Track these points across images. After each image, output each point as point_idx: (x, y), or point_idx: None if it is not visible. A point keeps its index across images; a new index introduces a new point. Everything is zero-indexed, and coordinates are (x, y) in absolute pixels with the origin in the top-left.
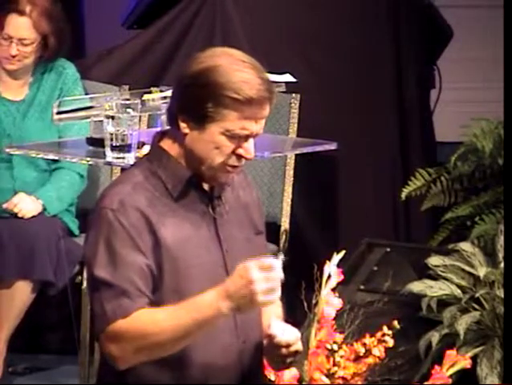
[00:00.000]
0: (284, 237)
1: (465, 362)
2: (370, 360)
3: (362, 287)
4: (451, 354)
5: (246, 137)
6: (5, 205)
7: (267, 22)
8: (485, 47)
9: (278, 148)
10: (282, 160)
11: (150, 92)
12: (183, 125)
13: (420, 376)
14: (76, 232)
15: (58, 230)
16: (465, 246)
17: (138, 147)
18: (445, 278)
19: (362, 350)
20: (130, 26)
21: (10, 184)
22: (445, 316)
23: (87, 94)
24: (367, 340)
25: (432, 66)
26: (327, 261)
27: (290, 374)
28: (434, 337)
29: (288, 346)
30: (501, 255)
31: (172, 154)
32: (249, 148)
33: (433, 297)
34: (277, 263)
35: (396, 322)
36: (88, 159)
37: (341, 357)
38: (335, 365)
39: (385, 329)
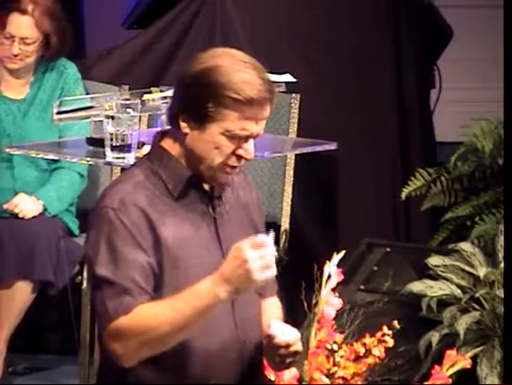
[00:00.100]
0: (284, 237)
1: (465, 362)
2: (370, 360)
3: (362, 287)
4: (451, 354)
5: (246, 138)
6: (5, 206)
7: (267, 22)
8: (485, 47)
9: (278, 148)
10: (282, 160)
11: (150, 92)
12: (183, 125)
13: (420, 376)
14: (76, 232)
15: (59, 230)
16: (465, 246)
17: (138, 147)
18: (445, 278)
19: (362, 350)
20: (130, 26)
21: (11, 183)
22: (445, 316)
23: (87, 94)
24: (367, 340)
25: (432, 66)
26: (327, 261)
27: (290, 374)
28: (434, 337)
29: (288, 346)
30: (501, 255)
31: (173, 154)
32: (249, 149)
33: (433, 297)
34: (268, 240)
35: (396, 322)
36: (88, 159)
37: (341, 357)
38: (335, 365)
39: (385, 329)
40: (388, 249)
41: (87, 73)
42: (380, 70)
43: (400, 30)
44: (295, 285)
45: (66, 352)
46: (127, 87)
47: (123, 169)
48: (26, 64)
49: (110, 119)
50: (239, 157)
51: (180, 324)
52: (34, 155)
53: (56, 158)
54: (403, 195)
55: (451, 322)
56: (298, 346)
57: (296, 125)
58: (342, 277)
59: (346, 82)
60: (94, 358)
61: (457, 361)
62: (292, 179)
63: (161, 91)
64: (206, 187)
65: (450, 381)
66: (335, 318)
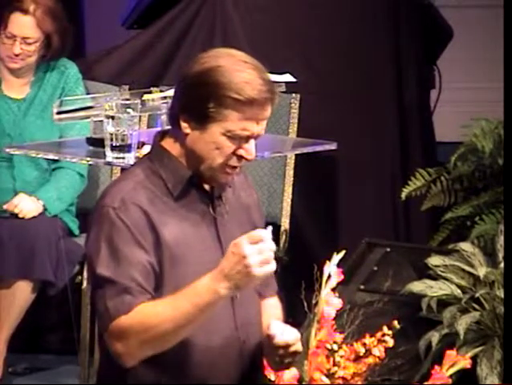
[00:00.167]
0: (284, 237)
1: (465, 362)
2: (370, 360)
3: (362, 287)
4: (451, 354)
5: (247, 138)
6: (5, 206)
7: (267, 22)
8: (485, 47)
9: (278, 148)
10: (282, 160)
11: (150, 92)
12: (184, 125)
13: (420, 376)
14: (76, 232)
15: (59, 230)
16: (465, 246)
17: (138, 147)
18: (445, 278)
19: (362, 350)
20: (130, 26)
21: (11, 183)
22: (445, 316)
23: (88, 94)
24: (367, 340)
25: (432, 66)
26: (327, 261)
27: (290, 374)
28: (434, 337)
29: (287, 346)
30: (501, 255)
31: (174, 154)
32: (250, 149)
33: (433, 297)
34: (267, 234)
35: (396, 322)
36: (88, 159)
37: (341, 357)
38: (335, 365)
39: (385, 329)
40: (388, 249)
41: (87, 73)
42: (380, 70)
43: (400, 30)
44: (295, 285)
45: (66, 352)
46: (127, 87)
47: (123, 169)
48: (27, 64)
49: (110, 119)
50: (240, 157)
51: (180, 321)
52: (34, 155)
53: (56, 158)
54: (403, 195)
55: (451, 322)
56: (298, 347)
57: (296, 125)
58: (342, 277)
59: (346, 82)
60: (94, 358)
61: (457, 361)
62: (292, 179)
63: (161, 91)
64: (206, 187)
65: (450, 381)
66: (335, 318)
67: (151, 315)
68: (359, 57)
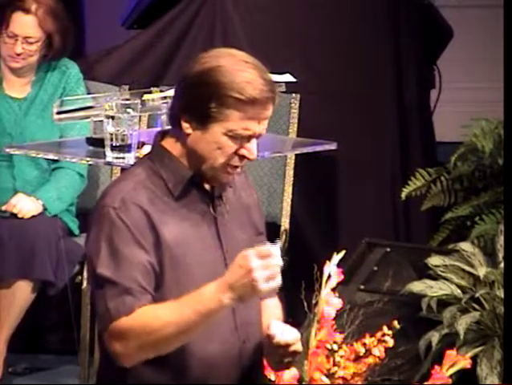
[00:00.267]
0: (284, 237)
1: (465, 362)
2: (370, 360)
3: (362, 287)
4: (451, 354)
5: (249, 138)
6: (4, 207)
7: (267, 22)
8: (485, 47)
9: (278, 148)
10: (282, 160)
11: (150, 92)
12: (185, 125)
13: (420, 376)
14: (76, 232)
15: (58, 230)
16: (465, 246)
17: (138, 147)
18: (445, 278)
19: (362, 350)
20: (130, 26)
21: (11, 182)
22: (445, 316)
23: (88, 94)
24: (367, 340)
25: (432, 66)
26: (327, 261)
27: (290, 374)
28: (434, 337)
29: (287, 346)
30: (501, 255)
31: (174, 154)
32: (251, 149)
33: (433, 297)
34: (275, 250)
35: (396, 322)
36: (88, 159)
37: (341, 357)
38: (335, 365)
39: (385, 329)
40: (388, 249)
41: (87, 73)
42: (380, 70)
43: (400, 30)
44: (295, 285)
45: (66, 352)
46: (127, 87)
47: (123, 169)
48: (29, 63)
49: (110, 119)
50: (242, 157)
51: (182, 327)
52: (34, 155)
53: (56, 158)
54: (403, 195)
55: (451, 322)
56: (298, 346)
57: (296, 125)
58: (342, 277)
59: (346, 82)
60: (94, 358)
61: (457, 361)
62: (292, 179)
63: (161, 91)
64: (207, 187)
65: (450, 381)
66: (335, 318)
67: (153, 319)
68: (359, 57)
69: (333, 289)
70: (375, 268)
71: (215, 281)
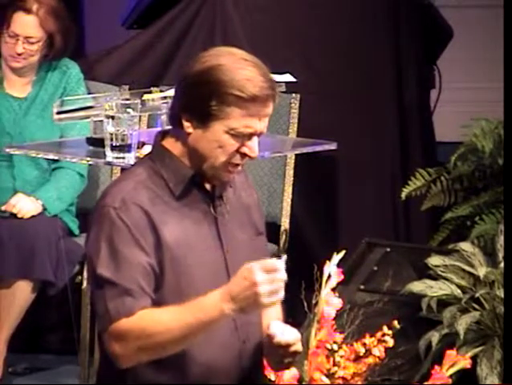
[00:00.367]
0: (284, 237)
1: (465, 362)
2: (370, 360)
3: (362, 287)
4: (451, 354)
5: (250, 135)
6: (3, 207)
7: (267, 22)
8: (485, 47)
9: (278, 148)
10: (282, 160)
11: (150, 92)
12: (186, 124)
13: (420, 376)
14: (76, 232)
15: (58, 230)
16: (465, 246)
17: (138, 147)
18: (445, 278)
19: (362, 350)
20: (130, 26)
21: (11, 182)
22: (445, 316)
23: (89, 94)
24: (367, 340)
25: (432, 66)
26: (327, 261)
27: (290, 374)
28: (434, 337)
29: (288, 346)
30: (501, 255)
31: (175, 153)
32: (253, 147)
33: (433, 297)
34: (280, 265)
35: (396, 322)
36: (88, 159)
37: (341, 357)
38: (335, 365)
39: (385, 329)
40: (388, 249)
41: (87, 73)
42: (380, 70)
43: (400, 30)
44: (295, 285)
45: (66, 352)
46: (127, 87)
47: (123, 169)
48: (30, 63)
49: (110, 119)
50: (243, 155)
51: (182, 334)
52: (34, 155)
53: (56, 158)
54: (403, 195)
55: (451, 322)
56: (298, 347)
57: (296, 125)
58: (342, 277)
59: (346, 82)
60: (94, 358)
61: (457, 361)
62: (292, 179)
63: (161, 91)
64: (207, 186)
65: (450, 381)
66: (335, 318)
67: (153, 323)
68: (359, 57)
69: (333, 289)
70: (375, 268)
71: (218, 289)
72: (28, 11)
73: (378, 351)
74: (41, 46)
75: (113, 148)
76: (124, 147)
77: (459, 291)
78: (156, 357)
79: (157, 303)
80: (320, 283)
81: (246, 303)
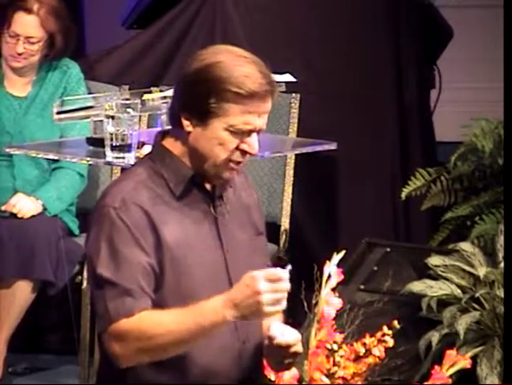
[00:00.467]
0: (284, 237)
1: (465, 362)
2: (370, 360)
3: (362, 287)
4: (451, 354)
5: (249, 132)
6: (3, 207)
7: (267, 22)
8: (485, 47)
9: (278, 148)
10: (282, 160)
11: (150, 92)
12: (186, 123)
13: (420, 376)
14: (76, 231)
15: (58, 230)
16: (465, 246)
17: (138, 147)
18: (445, 278)
19: (362, 350)
20: (130, 26)
21: (11, 182)
22: (445, 316)
23: (89, 94)
24: (367, 340)
25: (432, 66)
26: (327, 261)
27: (290, 374)
28: (434, 337)
29: (288, 347)
30: (501, 255)
31: (175, 153)
32: (252, 143)
33: (433, 297)
34: (284, 274)
35: (396, 322)
36: (88, 159)
37: (341, 357)
38: (335, 365)
39: (385, 329)
40: (388, 249)
41: (87, 73)
42: (380, 70)
43: (400, 30)
44: (295, 285)
45: (66, 352)
46: (127, 87)
47: (123, 169)
48: (30, 63)
49: (110, 119)
50: (243, 152)
51: (182, 337)
52: (34, 154)
53: (56, 158)
54: (403, 195)
55: (451, 322)
56: (299, 347)
57: (296, 125)
58: (342, 277)
59: (346, 82)
60: (94, 358)
61: (457, 361)
62: (292, 179)
63: (161, 91)
64: (208, 186)
65: (450, 381)
66: (335, 318)
67: (153, 325)
68: (359, 57)
69: (333, 289)
70: (375, 268)
71: (221, 295)
72: (29, 11)
73: (378, 351)
74: (41, 46)
75: (113, 148)
76: (124, 147)
77: (459, 291)
78: (157, 358)
79: (157, 303)
80: (320, 283)
81: (248, 311)
